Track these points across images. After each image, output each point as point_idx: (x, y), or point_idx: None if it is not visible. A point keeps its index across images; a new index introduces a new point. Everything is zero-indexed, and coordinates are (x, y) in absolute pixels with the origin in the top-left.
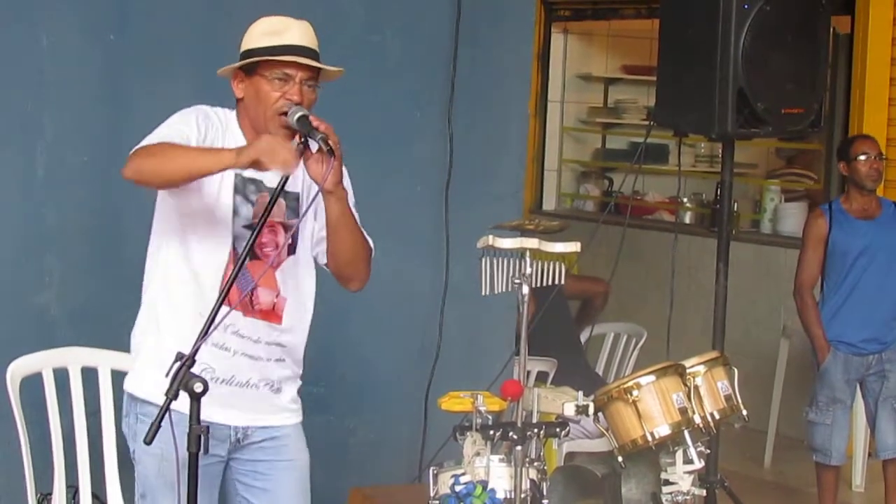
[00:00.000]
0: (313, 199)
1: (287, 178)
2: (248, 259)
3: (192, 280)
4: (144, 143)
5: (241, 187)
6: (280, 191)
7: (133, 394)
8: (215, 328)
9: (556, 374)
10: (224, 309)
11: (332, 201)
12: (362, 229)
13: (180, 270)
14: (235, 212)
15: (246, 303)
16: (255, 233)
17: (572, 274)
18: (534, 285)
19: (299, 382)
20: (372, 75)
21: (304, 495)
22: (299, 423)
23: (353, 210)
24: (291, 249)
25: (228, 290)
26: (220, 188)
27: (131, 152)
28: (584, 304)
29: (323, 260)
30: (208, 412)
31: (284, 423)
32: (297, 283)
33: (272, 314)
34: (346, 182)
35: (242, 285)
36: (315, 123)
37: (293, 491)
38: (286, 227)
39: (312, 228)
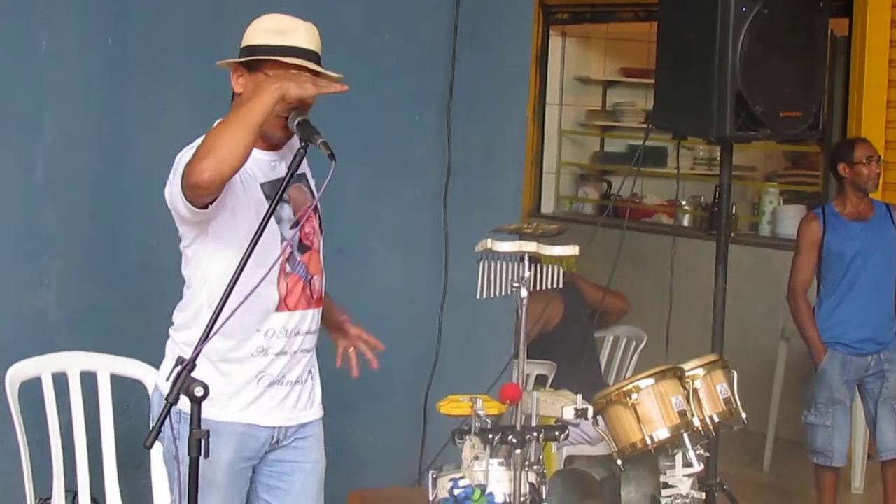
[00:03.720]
0: (326, 184)
1: (300, 161)
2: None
3: (251, 300)
4: (191, 156)
5: (270, 192)
6: (292, 175)
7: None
8: (215, 333)
9: (567, 378)
10: (296, 314)
11: None
12: None
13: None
14: (278, 219)
15: (308, 296)
16: (267, 214)
17: (600, 284)
18: (532, 289)
19: None
20: (371, 78)
21: (320, 499)
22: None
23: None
24: (321, 230)
25: (230, 292)
26: (252, 203)
27: (187, 169)
28: (596, 313)
29: None
30: (257, 416)
31: (317, 417)
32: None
33: (320, 300)
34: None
35: (303, 278)
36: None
37: (312, 494)
38: (316, 210)
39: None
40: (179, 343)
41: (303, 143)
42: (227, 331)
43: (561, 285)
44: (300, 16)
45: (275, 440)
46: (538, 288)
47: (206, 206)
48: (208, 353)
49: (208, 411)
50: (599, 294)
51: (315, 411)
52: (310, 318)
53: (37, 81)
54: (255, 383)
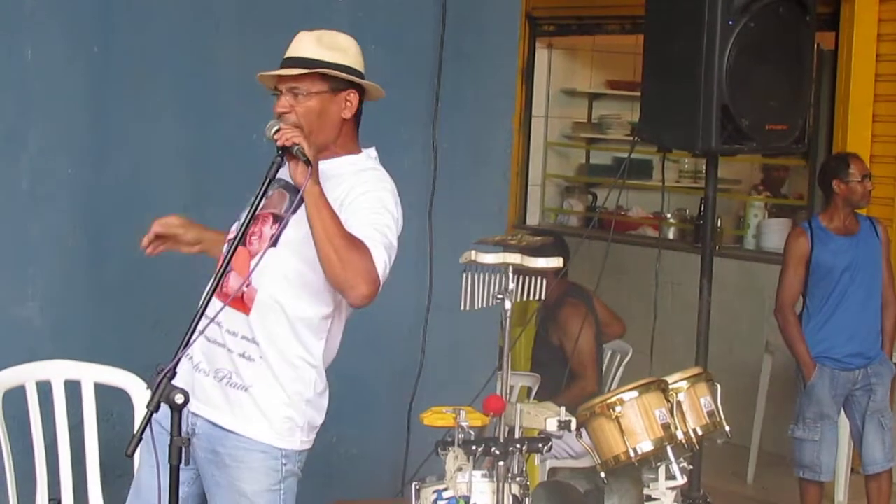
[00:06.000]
0: (297, 199)
1: (277, 169)
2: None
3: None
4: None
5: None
6: (268, 182)
7: None
8: (198, 336)
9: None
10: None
11: (307, 201)
12: (358, 237)
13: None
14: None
15: (217, 285)
16: (247, 219)
17: (606, 306)
18: (516, 300)
19: (285, 399)
20: None
21: None
22: (268, 445)
23: (375, 227)
24: (273, 242)
25: (217, 285)
26: None
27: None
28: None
29: None
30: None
31: (237, 431)
32: (277, 280)
33: (240, 302)
34: (359, 191)
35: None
36: (279, 137)
37: None
38: (276, 219)
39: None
40: None
41: (279, 151)
42: None
43: (543, 297)
44: (285, 28)
45: (188, 427)
46: (522, 299)
47: None
48: None
49: None
50: (605, 315)
51: (234, 422)
52: (213, 306)
53: (22, 91)
54: (186, 359)
